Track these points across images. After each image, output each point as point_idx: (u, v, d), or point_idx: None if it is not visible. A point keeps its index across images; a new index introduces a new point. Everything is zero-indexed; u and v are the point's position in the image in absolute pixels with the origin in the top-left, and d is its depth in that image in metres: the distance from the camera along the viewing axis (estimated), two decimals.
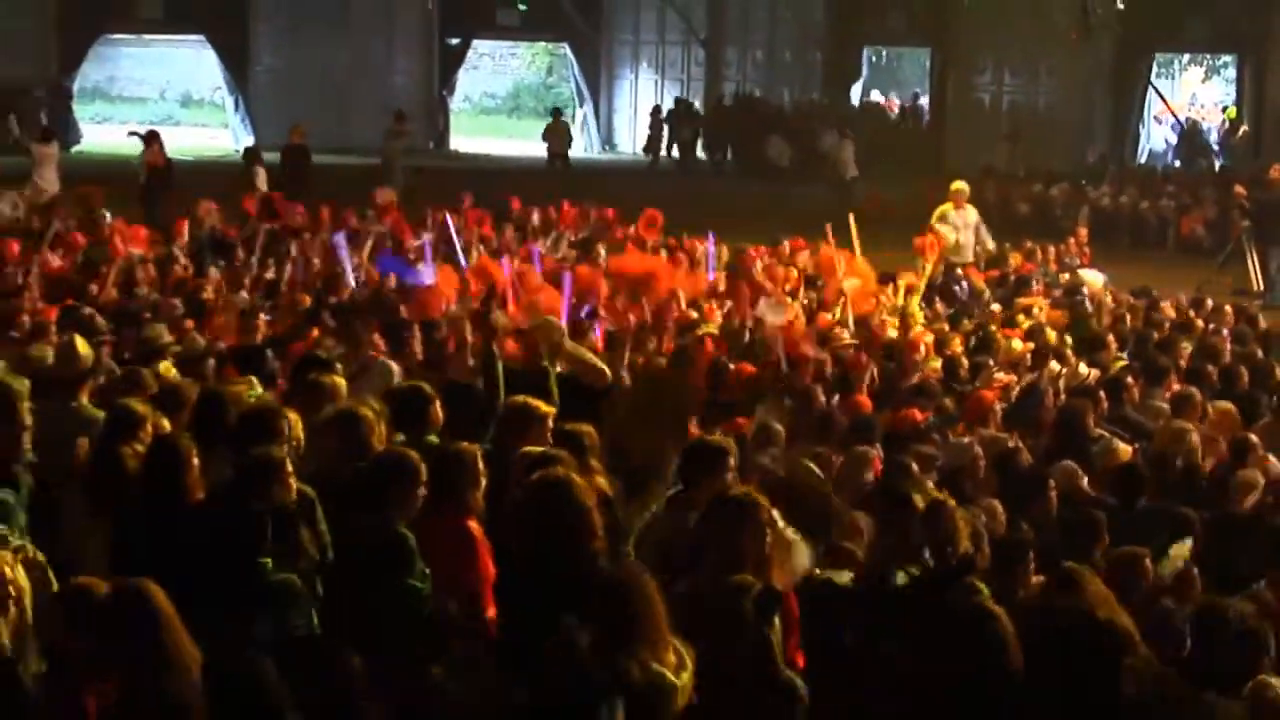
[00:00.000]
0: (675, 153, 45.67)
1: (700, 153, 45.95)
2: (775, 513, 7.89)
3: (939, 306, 19.28)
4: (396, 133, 36.94)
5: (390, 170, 34.39)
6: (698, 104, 47.43)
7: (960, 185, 23.28)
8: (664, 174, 42.89)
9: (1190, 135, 41.54)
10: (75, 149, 42.40)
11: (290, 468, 8.16)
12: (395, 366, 12.65)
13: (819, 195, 33.70)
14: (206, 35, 47.59)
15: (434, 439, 9.68)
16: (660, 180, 39.75)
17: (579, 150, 48.21)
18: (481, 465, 8.49)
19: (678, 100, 47.53)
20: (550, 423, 9.63)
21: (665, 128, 45.75)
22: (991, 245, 23.64)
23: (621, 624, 6.56)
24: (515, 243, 22.26)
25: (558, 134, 40.71)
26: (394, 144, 36.65)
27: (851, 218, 19.60)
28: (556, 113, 41.62)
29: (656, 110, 46.89)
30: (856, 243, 19.09)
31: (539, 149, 43.44)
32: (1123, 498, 10.62)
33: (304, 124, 35.81)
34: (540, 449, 9.08)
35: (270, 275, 18.44)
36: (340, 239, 19.20)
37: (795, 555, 8.31)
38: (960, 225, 22.54)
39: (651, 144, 45.85)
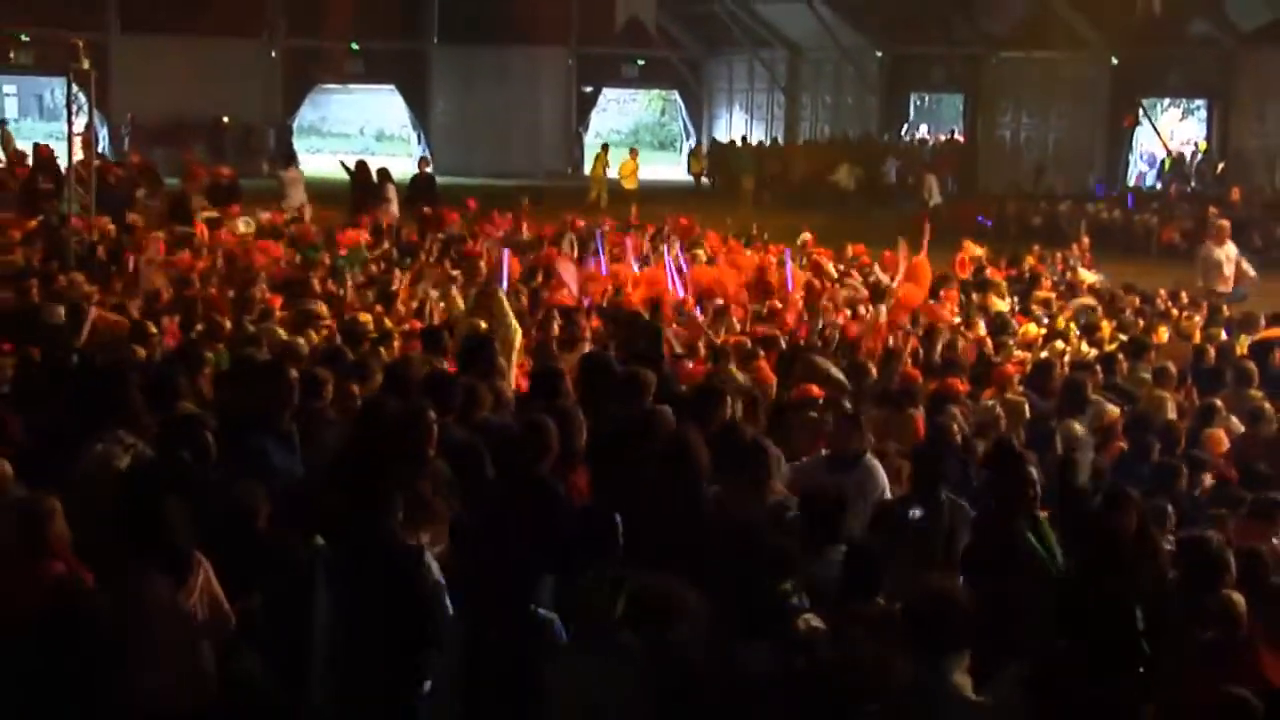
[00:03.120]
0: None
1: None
2: None
3: (974, 298, 19.11)
4: (605, 161, 38.29)
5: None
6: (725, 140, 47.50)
7: (1224, 223, 22.35)
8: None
9: (1177, 163, 41.25)
10: None
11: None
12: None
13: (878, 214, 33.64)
14: (396, 85, 48.22)
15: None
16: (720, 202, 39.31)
17: (683, 174, 48.10)
18: (581, 417, 8.61)
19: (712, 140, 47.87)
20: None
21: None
22: (1253, 274, 21.92)
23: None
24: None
25: (601, 167, 39.53)
26: (598, 168, 37.85)
27: (912, 242, 19.48)
28: (604, 149, 40.91)
29: (714, 144, 46.91)
30: (924, 255, 18.89)
31: (653, 173, 43.24)
32: None
33: (470, 154, 36.20)
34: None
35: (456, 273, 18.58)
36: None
37: None
38: (1224, 259, 21.39)
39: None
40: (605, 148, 40.42)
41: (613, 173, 38.55)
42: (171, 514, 6.42)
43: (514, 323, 13.01)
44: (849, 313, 16.51)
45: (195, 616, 6.35)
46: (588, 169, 47.83)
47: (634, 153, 40.81)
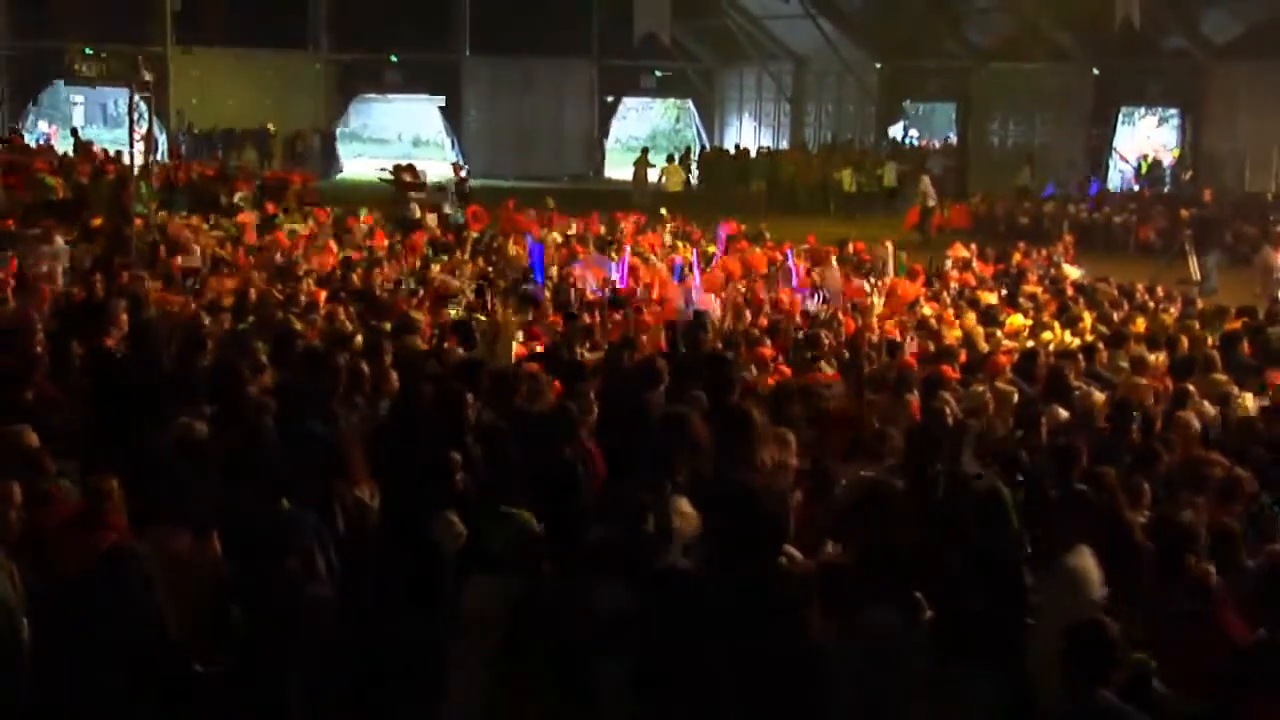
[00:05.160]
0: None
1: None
2: None
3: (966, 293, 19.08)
4: (648, 164, 38.22)
5: (638, 195, 35.93)
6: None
7: None
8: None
9: (1152, 168, 41.26)
10: (338, 176, 43.20)
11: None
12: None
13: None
14: (432, 94, 48.31)
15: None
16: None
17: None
18: (592, 397, 8.75)
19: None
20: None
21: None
22: None
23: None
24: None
25: (642, 170, 38.96)
26: (641, 171, 37.92)
27: (891, 244, 19.48)
28: (645, 153, 40.63)
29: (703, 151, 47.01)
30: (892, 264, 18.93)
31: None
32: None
33: (499, 158, 35.84)
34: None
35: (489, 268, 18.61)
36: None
37: None
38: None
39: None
40: (645, 151, 40.18)
41: (652, 175, 38.38)
42: (186, 483, 7.15)
43: (512, 319, 13.14)
44: (851, 306, 16.54)
45: (208, 566, 6.91)
46: (608, 173, 47.95)
47: (671, 159, 40.72)
